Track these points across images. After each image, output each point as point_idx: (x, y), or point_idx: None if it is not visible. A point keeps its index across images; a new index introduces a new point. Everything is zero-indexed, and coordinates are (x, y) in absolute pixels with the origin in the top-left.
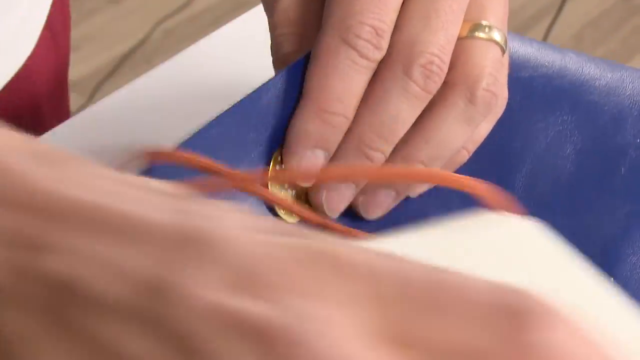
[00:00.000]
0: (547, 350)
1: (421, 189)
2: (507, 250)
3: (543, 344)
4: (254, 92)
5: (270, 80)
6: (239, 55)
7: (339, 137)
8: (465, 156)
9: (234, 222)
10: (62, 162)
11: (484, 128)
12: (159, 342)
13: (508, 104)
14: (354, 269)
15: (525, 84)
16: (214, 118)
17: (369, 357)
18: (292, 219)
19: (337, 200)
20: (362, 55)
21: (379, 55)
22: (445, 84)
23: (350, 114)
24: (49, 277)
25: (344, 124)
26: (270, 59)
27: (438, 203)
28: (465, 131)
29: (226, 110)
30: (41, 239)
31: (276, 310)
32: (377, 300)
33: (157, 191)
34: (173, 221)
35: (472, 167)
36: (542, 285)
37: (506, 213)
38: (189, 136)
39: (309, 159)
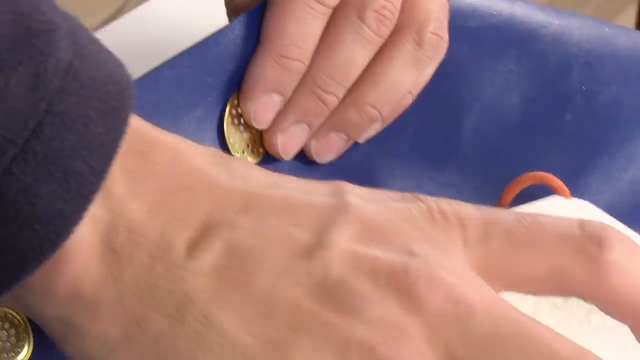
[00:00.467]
0: (621, 268)
1: (368, 135)
2: None
3: (618, 263)
4: (209, 36)
5: (227, 25)
6: (191, 10)
7: (295, 82)
8: (409, 99)
9: (359, 195)
10: (227, 161)
11: (428, 72)
12: (311, 284)
13: (455, 53)
14: (450, 218)
15: (473, 33)
16: (166, 60)
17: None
18: (252, 159)
19: (291, 143)
20: (318, 1)
21: (334, 2)
22: (394, 27)
23: (307, 58)
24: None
25: (300, 68)
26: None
27: (382, 148)
28: (413, 74)
29: (180, 53)
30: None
31: (399, 255)
32: (473, 242)
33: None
34: (321, 200)
35: (421, 115)
36: None
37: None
38: (139, 77)
39: (265, 103)
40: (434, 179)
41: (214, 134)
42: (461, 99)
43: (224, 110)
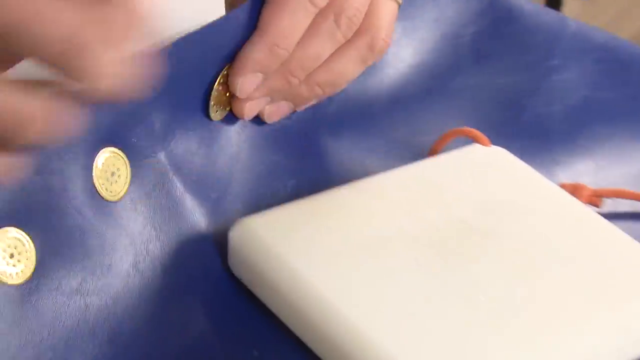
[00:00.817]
0: None
1: (308, 106)
2: (489, 167)
3: None
4: (211, 23)
5: (228, 14)
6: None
7: (277, 66)
8: (345, 85)
9: None
10: None
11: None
12: None
13: None
14: None
15: None
16: (184, 35)
17: None
18: (220, 114)
19: (254, 109)
20: (311, 2)
21: (323, 4)
22: (356, 30)
23: (292, 48)
24: None
25: (285, 56)
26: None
27: (315, 116)
28: (358, 69)
29: (192, 32)
30: None
31: None
32: None
33: None
34: None
35: (344, 92)
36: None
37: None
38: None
39: (250, 79)
40: (357, 144)
41: (202, 93)
42: (377, 79)
43: (215, 78)
